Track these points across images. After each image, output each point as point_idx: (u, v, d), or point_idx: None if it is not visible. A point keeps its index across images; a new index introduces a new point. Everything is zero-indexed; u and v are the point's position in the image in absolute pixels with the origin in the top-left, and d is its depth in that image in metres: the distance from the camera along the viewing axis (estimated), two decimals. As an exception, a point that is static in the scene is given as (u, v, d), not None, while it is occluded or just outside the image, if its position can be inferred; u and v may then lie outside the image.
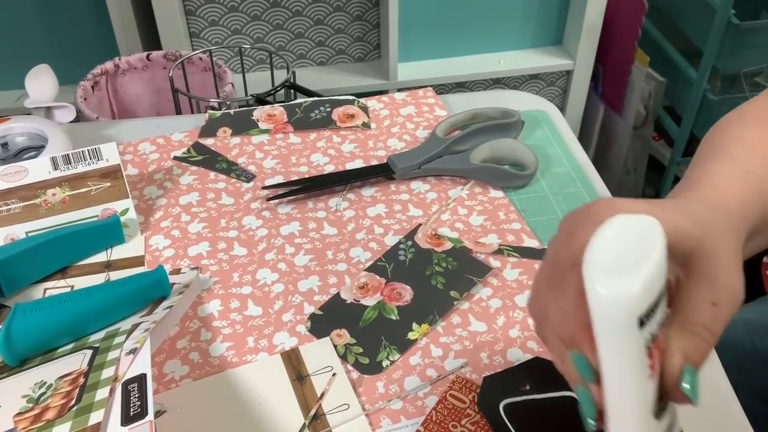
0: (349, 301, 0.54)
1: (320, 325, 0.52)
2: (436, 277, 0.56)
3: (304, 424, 0.45)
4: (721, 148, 0.48)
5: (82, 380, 0.44)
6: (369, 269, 0.57)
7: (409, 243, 0.59)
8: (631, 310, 0.29)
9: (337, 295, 0.55)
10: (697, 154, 0.51)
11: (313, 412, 0.46)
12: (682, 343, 0.34)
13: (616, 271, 0.29)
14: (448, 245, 0.59)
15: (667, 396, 0.33)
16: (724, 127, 0.51)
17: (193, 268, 0.57)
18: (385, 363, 0.49)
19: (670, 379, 0.33)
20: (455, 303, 0.54)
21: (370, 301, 0.54)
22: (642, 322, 0.29)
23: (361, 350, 0.50)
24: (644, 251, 0.30)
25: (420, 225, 0.61)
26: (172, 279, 0.54)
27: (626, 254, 0.29)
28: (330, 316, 0.53)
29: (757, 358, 0.69)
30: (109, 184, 0.59)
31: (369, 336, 0.51)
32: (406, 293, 0.54)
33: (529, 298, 0.39)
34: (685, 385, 0.33)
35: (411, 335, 0.51)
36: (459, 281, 0.55)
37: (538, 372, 0.48)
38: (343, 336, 0.51)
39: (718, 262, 0.37)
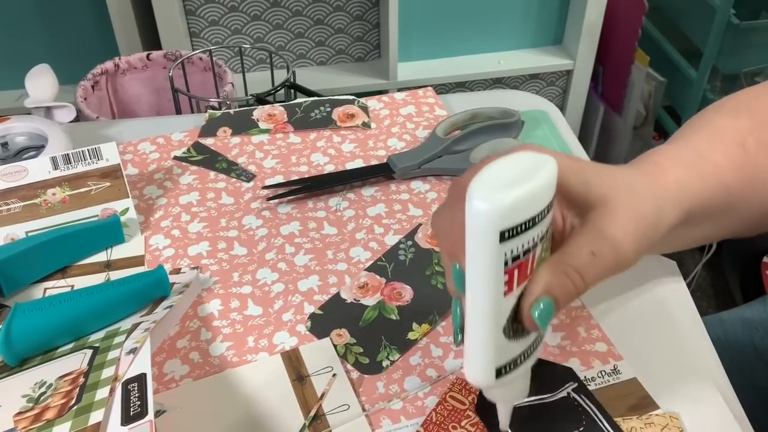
0: (349, 301, 0.54)
1: (320, 324, 0.52)
2: (436, 277, 0.56)
3: (305, 424, 0.45)
4: (687, 131, 0.49)
5: (82, 380, 0.44)
6: (369, 269, 0.57)
7: (410, 243, 0.59)
8: (494, 220, 0.30)
9: (337, 294, 0.55)
10: (672, 136, 0.52)
11: (313, 413, 0.46)
12: (547, 277, 0.35)
13: (494, 187, 0.30)
14: None
15: (521, 321, 0.35)
16: (702, 114, 0.52)
17: (193, 268, 0.57)
18: (385, 363, 0.49)
19: (524, 303, 0.34)
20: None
21: (370, 300, 0.54)
22: (504, 237, 0.31)
23: (361, 350, 0.50)
24: (528, 177, 0.31)
25: (420, 225, 0.61)
26: (172, 279, 0.54)
27: (511, 177, 0.31)
28: (330, 316, 0.53)
29: (757, 359, 0.69)
30: (109, 183, 0.59)
31: (369, 336, 0.51)
32: (407, 293, 0.54)
33: (432, 217, 0.41)
34: (537, 311, 0.34)
35: (411, 335, 0.51)
36: None
37: (537, 373, 0.48)
38: (343, 336, 0.51)
39: (613, 217, 0.37)
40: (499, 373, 0.35)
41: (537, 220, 0.32)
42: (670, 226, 0.41)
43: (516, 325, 0.34)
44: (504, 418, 0.40)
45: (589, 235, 0.37)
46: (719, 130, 0.48)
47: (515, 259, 0.32)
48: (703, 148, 0.46)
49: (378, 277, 0.56)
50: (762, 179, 0.48)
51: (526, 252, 0.32)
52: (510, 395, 0.39)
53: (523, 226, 0.31)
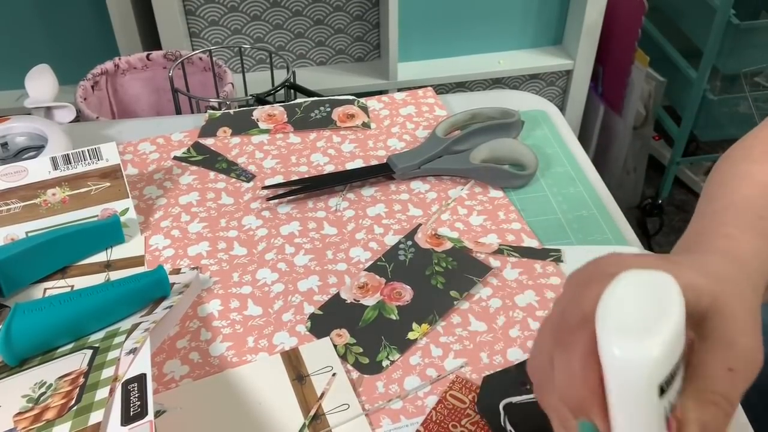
0: (349, 301, 0.54)
1: (320, 324, 0.52)
2: (436, 277, 0.56)
3: (304, 424, 0.45)
4: (729, 188, 0.46)
5: (82, 380, 0.44)
6: (369, 269, 0.57)
7: (409, 243, 0.59)
8: (652, 376, 0.26)
9: (337, 295, 0.55)
10: (704, 192, 0.48)
11: (313, 412, 0.46)
12: (699, 414, 0.31)
13: (634, 332, 0.26)
14: (448, 245, 0.59)
15: None
16: (731, 163, 0.48)
17: (193, 268, 0.57)
18: (385, 363, 0.49)
19: None
20: (455, 303, 0.54)
21: (370, 300, 0.54)
22: (662, 390, 0.27)
23: (361, 350, 0.50)
24: (661, 311, 0.27)
25: (420, 225, 0.61)
26: (172, 279, 0.54)
27: (642, 313, 0.27)
28: (330, 316, 0.53)
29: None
30: (109, 184, 0.59)
31: (369, 336, 0.51)
32: (406, 293, 0.54)
33: (530, 356, 0.36)
34: None
35: (411, 335, 0.51)
36: (459, 281, 0.55)
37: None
38: (343, 336, 0.51)
39: (735, 323, 0.34)
40: None
41: (682, 355, 0.28)
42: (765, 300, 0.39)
43: None
44: None
45: (720, 350, 0.33)
46: (762, 180, 0.45)
47: (672, 408, 0.28)
48: (757, 205, 0.43)
49: (378, 277, 0.56)
50: None
51: (678, 394, 0.29)
52: None
53: (675, 369, 0.27)
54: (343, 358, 0.50)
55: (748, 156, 0.48)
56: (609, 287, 0.28)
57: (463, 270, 0.56)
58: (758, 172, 0.46)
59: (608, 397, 0.27)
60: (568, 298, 0.33)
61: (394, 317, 0.53)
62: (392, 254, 0.58)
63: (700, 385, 0.32)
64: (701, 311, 0.33)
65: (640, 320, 0.27)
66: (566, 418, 0.32)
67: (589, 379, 0.29)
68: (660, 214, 1.73)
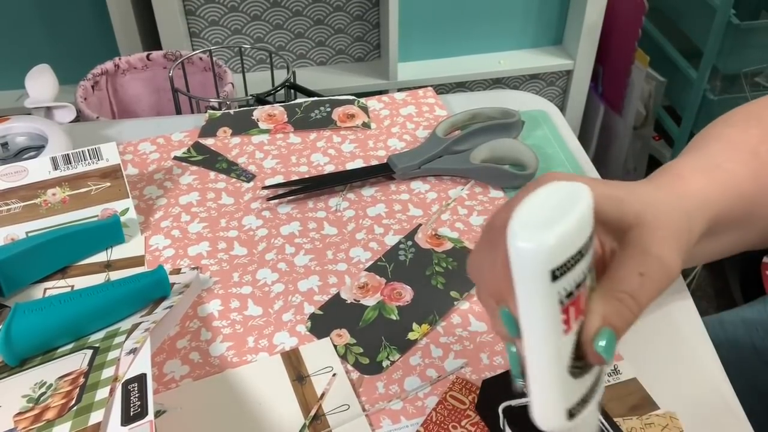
0: (349, 301, 0.54)
1: (320, 325, 0.52)
2: (436, 277, 0.56)
3: (305, 424, 0.45)
4: (699, 144, 0.49)
5: (82, 380, 0.44)
6: (369, 269, 0.57)
7: (410, 243, 0.59)
8: (543, 261, 0.29)
9: (337, 295, 0.55)
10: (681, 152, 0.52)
11: (313, 413, 0.46)
12: (603, 307, 0.34)
13: (535, 226, 0.30)
14: (449, 245, 0.59)
15: (584, 357, 0.34)
16: (710, 127, 0.52)
17: (193, 268, 0.57)
18: (385, 363, 0.49)
19: (586, 339, 0.34)
20: (455, 303, 0.54)
21: (370, 301, 0.54)
22: (555, 276, 0.30)
23: (361, 350, 0.50)
24: (566, 210, 0.31)
25: (420, 225, 0.61)
26: (172, 279, 0.54)
27: (548, 213, 0.30)
28: (330, 316, 0.53)
29: (758, 360, 0.69)
30: (109, 184, 0.59)
31: (369, 336, 0.51)
32: (407, 293, 0.54)
33: (468, 260, 0.39)
34: (600, 344, 0.33)
35: (411, 335, 0.51)
36: (459, 281, 0.55)
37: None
38: (343, 336, 0.51)
39: (654, 234, 0.37)
40: (571, 414, 0.33)
41: (583, 252, 0.31)
42: (699, 237, 0.41)
43: (579, 362, 0.33)
44: None
45: (635, 256, 0.37)
46: (732, 141, 0.48)
47: (569, 295, 0.31)
48: (720, 158, 0.46)
49: (378, 277, 0.56)
50: None
51: (578, 286, 0.32)
52: None
53: (572, 261, 0.30)
54: (344, 358, 0.50)
55: (727, 120, 0.51)
56: (529, 194, 0.32)
57: (463, 270, 0.56)
58: (731, 133, 0.49)
59: (513, 284, 0.31)
60: (501, 208, 0.38)
61: (394, 317, 0.53)
62: (392, 254, 0.58)
63: (611, 284, 0.35)
64: (626, 225, 0.37)
65: (544, 218, 0.30)
66: (493, 308, 0.36)
67: (506, 272, 0.32)
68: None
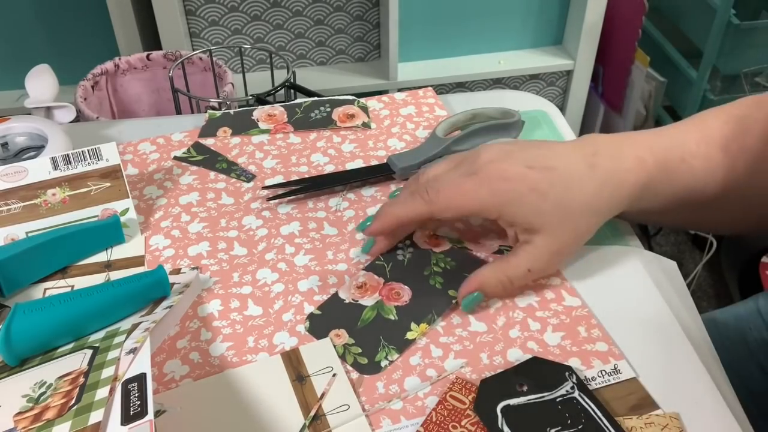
0: (347, 301, 0.54)
1: (319, 324, 0.52)
2: (434, 277, 0.56)
3: (305, 424, 0.45)
4: (682, 124, 0.56)
5: (82, 380, 0.44)
6: (367, 268, 0.57)
7: (408, 243, 0.59)
8: None
9: (336, 294, 0.55)
10: None
11: (313, 413, 0.46)
12: (487, 277, 0.51)
13: None
14: (447, 245, 0.59)
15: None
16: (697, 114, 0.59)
17: (193, 268, 0.57)
18: (383, 363, 0.49)
19: (462, 290, 0.52)
20: (454, 302, 0.54)
21: (368, 300, 0.54)
22: None
23: (360, 350, 0.50)
24: None
25: None
26: (172, 279, 0.54)
27: None
28: (328, 316, 0.53)
29: (751, 359, 0.69)
30: (109, 184, 0.59)
31: (368, 336, 0.51)
32: (405, 293, 0.54)
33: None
34: (465, 300, 0.52)
35: (410, 335, 0.51)
36: (458, 280, 0.55)
37: (536, 372, 0.48)
38: (341, 336, 0.51)
39: (550, 243, 0.50)
40: None
41: None
42: (615, 214, 0.53)
43: None
44: None
45: (530, 255, 0.50)
46: (708, 133, 0.54)
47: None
48: (688, 149, 0.53)
49: (376, 277, 0.56)
50: (736, 185, 0.54)
51: None
52: None
53: None
54: (342, 358, 0.50)
55: (713, 110, 0.57)
56: None
57: (462, 269, 0.56)
58: (710, 124, 0.55)
59: None
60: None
61: (392, 317, 0.53)
62: (391, 254, 0.58)
63: (503, 266, 0.51)
64: (534, 228, 0.51)
65: None
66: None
67: None
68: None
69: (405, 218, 0.53)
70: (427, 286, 0.55)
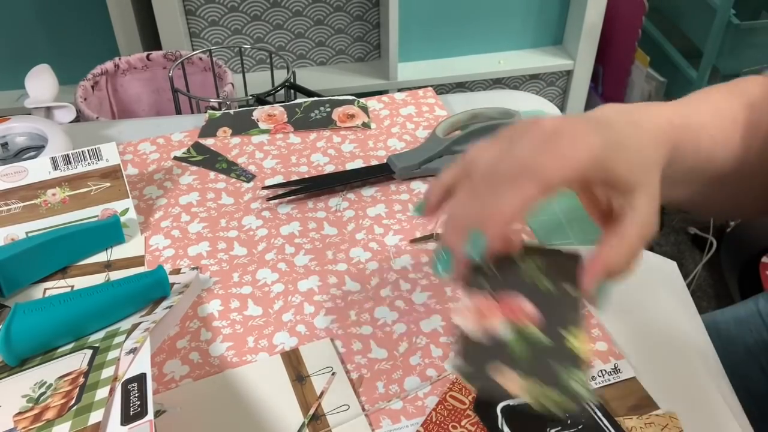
0: (476, 335, 0.40)
1: (473, 365, 0.39)
2: (539, 280, 0.43)
3: (303, 423, 0.45)
4: (693, 101, 0.54)
5: (82, 380, 0.44)
6: (463, 290, 0.42)
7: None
8: None
9: (459, 328, 0.40)
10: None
11: (312, 412, 0.46)
12: (613, 259, 0.42)
13: None
14: (519, 244, 0.44)
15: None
16: (694, 92, 0.56)
17: (193, 268, 0.57)
18: (580, 390, 0.37)
19: (589, 282, 0.42)
20: (577, 297, 0.42)
21: (501, 327, 0.40)
22: None
23: (550, 390, 0.38)
24: None
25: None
26: (172, 279, 0.54)
27: None
28: (474, 356, 0.39)
29: (751, 359, 0.69)
30: (109, 184, 0.59)
31: (538, 369, 0.39)
32: (527, 306, 0.41)
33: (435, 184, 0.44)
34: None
35: (574, 347, 0.39)
36: (565, 276, 0.43)
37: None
38: (514, 379, 0.38)
39: (651, 204, 0.44)
40: None
41: None
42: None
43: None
44: None
45: (640, 220, 0.43)
46: (717, 106, 0.53)
47: None
48: (703, 119, 0.51)
49: (482, 297, 0.41)
50: (745, 156, 0.52)
51: None
52: None
53: None
54: (544, 410, 0.37)
55: (710, 88, 0.55)
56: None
57: (557, 265, 0.44)
58: (715, 99, 0.53)
59: None
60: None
61: (542, 338, 0.40)
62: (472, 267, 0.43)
63: (620, 241, 0.42)
64: (629, 186, 0.43)
65: None
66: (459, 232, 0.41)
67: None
68: (660, 214, 1.73)
69: (521, 212, 0.40)
70: (538, 291, 0.43)
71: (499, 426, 0.44)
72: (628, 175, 0.42)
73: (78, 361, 0.46)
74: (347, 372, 0.49)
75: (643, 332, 0.52)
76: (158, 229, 0.61)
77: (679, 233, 1.79)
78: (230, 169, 0.67)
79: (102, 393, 0.42)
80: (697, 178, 0.52)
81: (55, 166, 0.58)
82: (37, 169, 0.58)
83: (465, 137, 0.68)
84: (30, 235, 0.58)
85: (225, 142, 0.71)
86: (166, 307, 0.51)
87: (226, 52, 1.52)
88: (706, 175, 0.51)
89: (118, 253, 0.59)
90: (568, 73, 1.65)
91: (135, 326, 0.49)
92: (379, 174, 0.66)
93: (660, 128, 0.47)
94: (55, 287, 0.56)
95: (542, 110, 0.76)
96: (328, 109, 0.75)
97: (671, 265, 0.57)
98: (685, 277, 1.64)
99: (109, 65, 1.27)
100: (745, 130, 0.52)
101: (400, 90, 1.46)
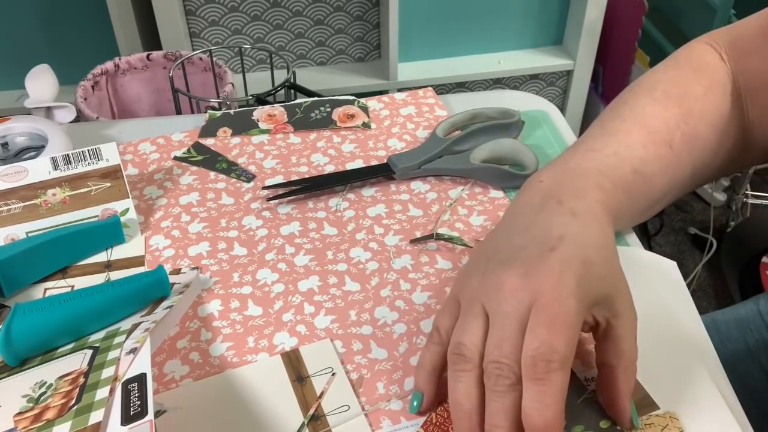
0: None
1: None
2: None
3: (303, 423, 0.45)
4: (622, 124, 0.52)
5: (82, 380, 0.44)
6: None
7: None
8: None
9: None
10: (601, 118, 0.55)
11: (311, 412, 0.46)
12: (627, 385, 0.43)
13: None
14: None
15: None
16: (633, 96, 0.55)
17: (193, 268, 0.57)
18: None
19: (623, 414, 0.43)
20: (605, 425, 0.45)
21: None
22: None
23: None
24: None
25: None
26: (172, 279, 0.54)
27: None
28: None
29: (751, 360, 0.69)
30: (109, 184, 0.59)
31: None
32: None
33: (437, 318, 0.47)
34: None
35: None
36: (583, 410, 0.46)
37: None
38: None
39: (627, 299, 0.44)
40: None
41: None
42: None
43: None
44: None
45: (629, 326, 0.44)
46: (650, 125, 0.52)
47: None
48: (637, 156, 0.51)
49: None
50: (681, 175, 0.53)
51: None
52: None
53: None
54: None
55: (650, 92, 0.54)
56: None
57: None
58: (650, 114, 0.52)
59: None
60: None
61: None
62: None
63: (625, 357, 0.43)
64: (608, 298, 0.43)
65: None
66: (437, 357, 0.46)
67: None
68: (660, 214, 1.74)
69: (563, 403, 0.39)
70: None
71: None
72: (605, 291, 0.43)
73: (78, 361, 0.46)
74: (347, 372, 0.49)
75: (642, 332, 0.51)
76: (158, 229, 0.61)
77: (679, 233, 1.79)
78: (230, 169, 0.67)
79: (102, 393, 0.42)
80: (645, 206, 0.53)
81: (55, 166, 0.58)
82: (37, 169, 0.58)
83: (465, 137, 0.68)
84: (30, 235, 0.58)
85: (225, 142, 0.71)
86: (167, 307, 0.51)
87: (226, 52, 1.52)
88: (653, 198, 0.53)
89: (118, 253, 0.59)
90: (568, 73, 1.65)
91: (135, 326, 0.49)
92: (379, 174, 0.66)
93: (598, 203, 0.46)
94: (56, 287, 0.56)
95: (543, 110, 0.76)
96: (328, 109, 0.75)
97: (671, 265, 0.57)
98: (685, 277, 1.64)
99: (109, 65, 1.27)
100: (682, 150, 0.52)
101: (400, 90, 1.46)
